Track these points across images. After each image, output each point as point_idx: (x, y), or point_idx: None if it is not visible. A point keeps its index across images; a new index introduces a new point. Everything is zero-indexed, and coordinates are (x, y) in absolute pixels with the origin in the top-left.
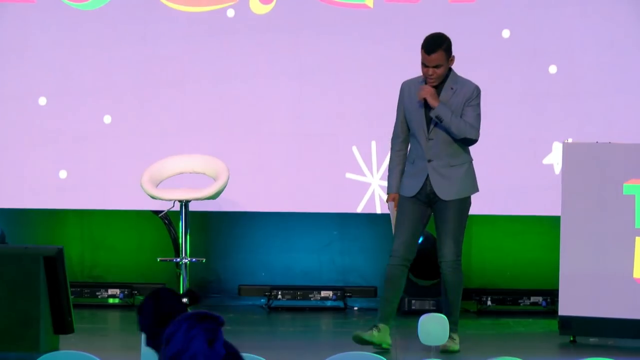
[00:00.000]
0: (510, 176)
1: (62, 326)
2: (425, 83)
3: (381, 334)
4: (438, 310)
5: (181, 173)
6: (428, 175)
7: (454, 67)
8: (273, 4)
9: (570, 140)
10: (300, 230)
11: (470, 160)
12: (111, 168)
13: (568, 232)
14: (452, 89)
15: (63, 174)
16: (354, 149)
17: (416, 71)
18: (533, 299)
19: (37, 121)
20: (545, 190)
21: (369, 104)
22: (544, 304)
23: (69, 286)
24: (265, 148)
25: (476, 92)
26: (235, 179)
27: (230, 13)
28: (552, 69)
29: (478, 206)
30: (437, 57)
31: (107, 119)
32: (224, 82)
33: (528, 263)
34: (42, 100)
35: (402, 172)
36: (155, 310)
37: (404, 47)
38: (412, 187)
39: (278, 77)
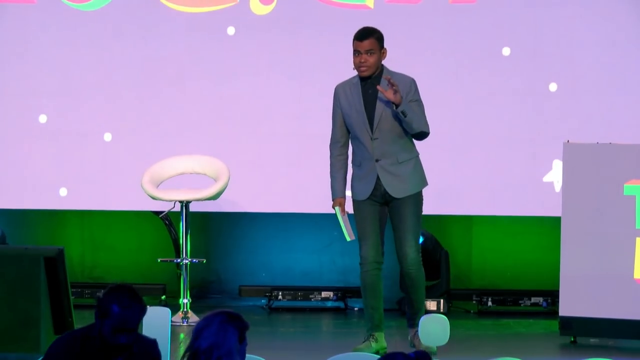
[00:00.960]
0: (510, 177)
1: (63, 327)
2: (361, 77)
3: (379, 342)
4: (439, 310)
5: (182, 174)
6: (378, 175)
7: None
8: (273, 4)
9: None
10: (300, 230)
11: (417, 154)
12: (111, 169)
13: (569, 233)
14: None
15: (63, 175)
16: None
17: (417, 72)
18: (534, 299)
19: (37, 121)
20: (546, 191)
21: None
22: (544, 304)
23: (69, 287)
24: (265, 148)
25: (414, 85)
26: (236, 179)
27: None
28: (553, 68)
29: (479, 207)
30: (369, 43)
31: (108, 119)
32: (224, 82)
33: (528, 264)
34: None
35: (345, 176)
36: (141, 305)
37: (405, 47)
38: (364, 190)
39: (278, 78)
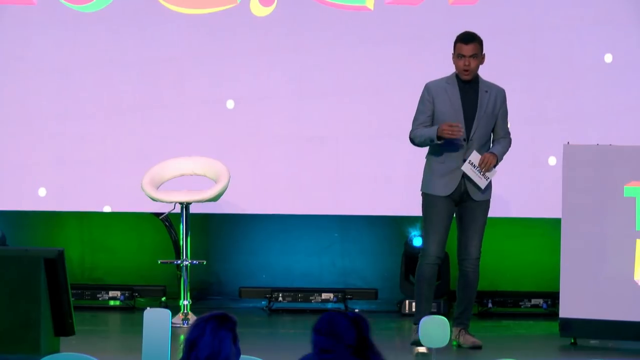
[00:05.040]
0: (510, 178)
1: (63, 328)
2: (460, 78)
3: None
4: (439, 312)
5: (182, 175)
6: (464, 175)
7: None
8: (273, 5)
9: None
10: (300, 232)
11: None
12: (112, 170)
13: (569, 235)
14: (486, 92)
15: (63, 176)
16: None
17: (416, 72)
18: (534, 301)
19: (37, 122)
20: (546, 192)
21: (369, 106)
22: (544, 306)
23: (69, 288)
24: (265, 150)
25: (505, 95)
26: (236, 181)
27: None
28: (553, 69)
29: None
30: (474, 47)
31: (108, 121)
32: (224, 84)
33: (529, 265)
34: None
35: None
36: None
37: (405, 49)
38: (446, 187)
39: (278, 79)
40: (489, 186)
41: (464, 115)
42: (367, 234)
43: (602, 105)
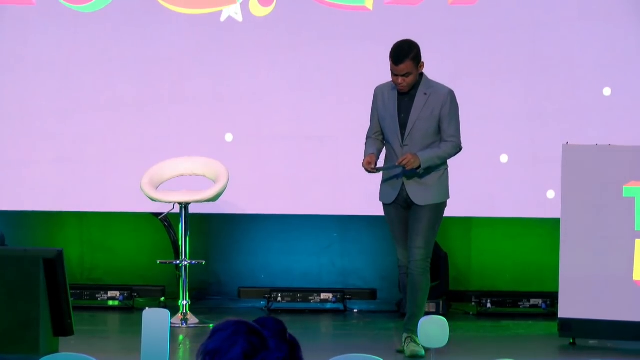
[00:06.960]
0: (509, 178)
1: (62, 328)
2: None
3: None
4: (438, 312)
5: (181, 175)
6: (403, 181)
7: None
8: (273, 6)
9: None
10: (300, 232)
11: (446, 167)
12: (111, 170)
13: (568, 235)
14: (425, 94)
15: (63, 176)
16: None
17: None
18: (533, 301)
19: (37, 122)
20: (545, 193)
21: (368, 105)
22: (543, 306)
23: (68, 288)
24: (265, 150)
25: (450, 96)
26: (235, 181)
27: (234, 13)
28: (552, 69)
29: (478, 209)
30: (405, 66)
31: (107, 121)
32: (223, 84)
33: (528, 265)
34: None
35: (378, 149)
36: None
37: None
38: (391, 194)
39: (278, 79)
40: (435, 189)
41: (399, 121)
42: (366, 234)
43: (602, 105)
